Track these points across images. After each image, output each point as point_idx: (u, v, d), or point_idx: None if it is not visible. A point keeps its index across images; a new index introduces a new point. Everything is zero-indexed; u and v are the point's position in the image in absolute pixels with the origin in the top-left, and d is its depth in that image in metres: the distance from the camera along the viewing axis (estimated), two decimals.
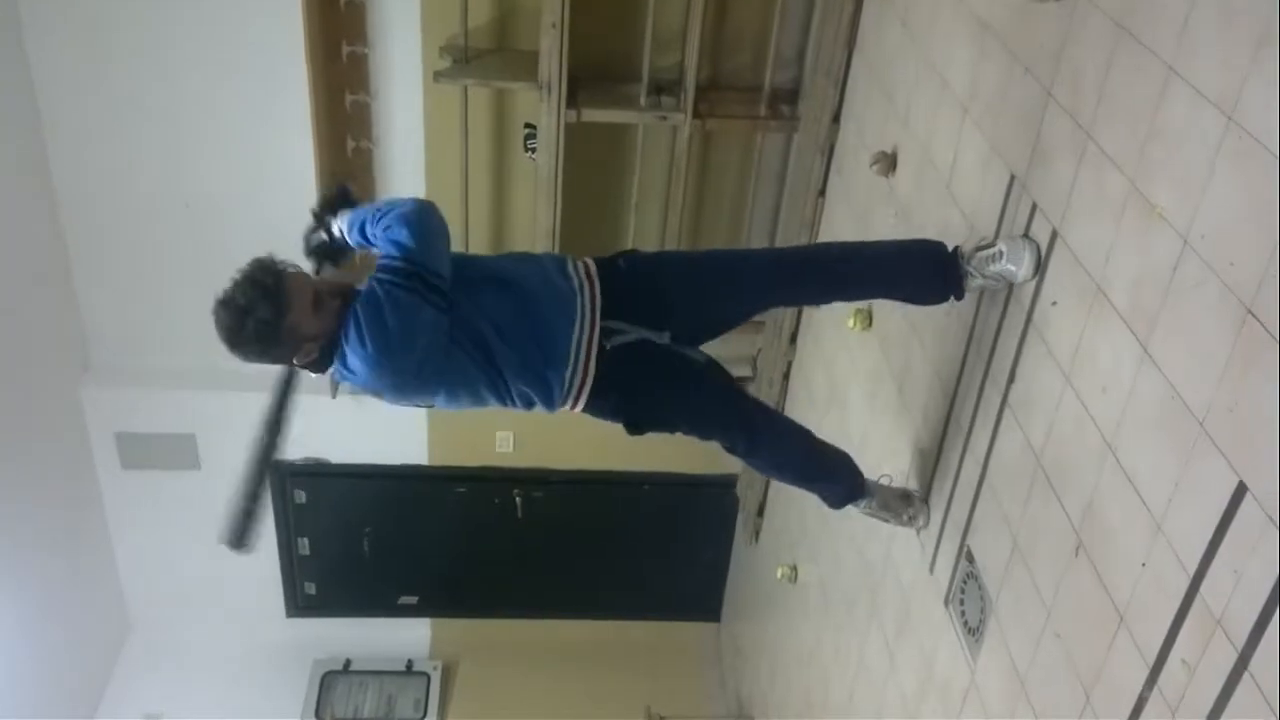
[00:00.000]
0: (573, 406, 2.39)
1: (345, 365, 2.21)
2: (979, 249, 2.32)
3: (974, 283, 2.34)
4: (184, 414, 4.75)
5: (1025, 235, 2.25)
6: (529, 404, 2.38)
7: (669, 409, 2.46)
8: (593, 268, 2.38)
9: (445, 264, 2.21)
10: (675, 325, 2.38)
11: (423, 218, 2.18)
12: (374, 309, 2.13)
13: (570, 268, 2.37)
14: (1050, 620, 2.08)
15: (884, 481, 2.78)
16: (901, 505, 2.76)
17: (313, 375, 2.32)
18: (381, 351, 2.14)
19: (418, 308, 2.14)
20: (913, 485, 2.81)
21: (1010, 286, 2.29)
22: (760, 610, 4.73)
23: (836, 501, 2.73)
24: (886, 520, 2.77)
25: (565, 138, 3.84)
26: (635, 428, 2.44)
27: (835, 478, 2.71)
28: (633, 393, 2.39)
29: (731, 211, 4.43)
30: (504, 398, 2.36)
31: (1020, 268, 2.21)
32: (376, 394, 2.33)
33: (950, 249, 2.40)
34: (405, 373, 2.22)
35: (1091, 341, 1.97)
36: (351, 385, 2.33)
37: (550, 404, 2.37)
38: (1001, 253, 2.25)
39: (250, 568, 5.22)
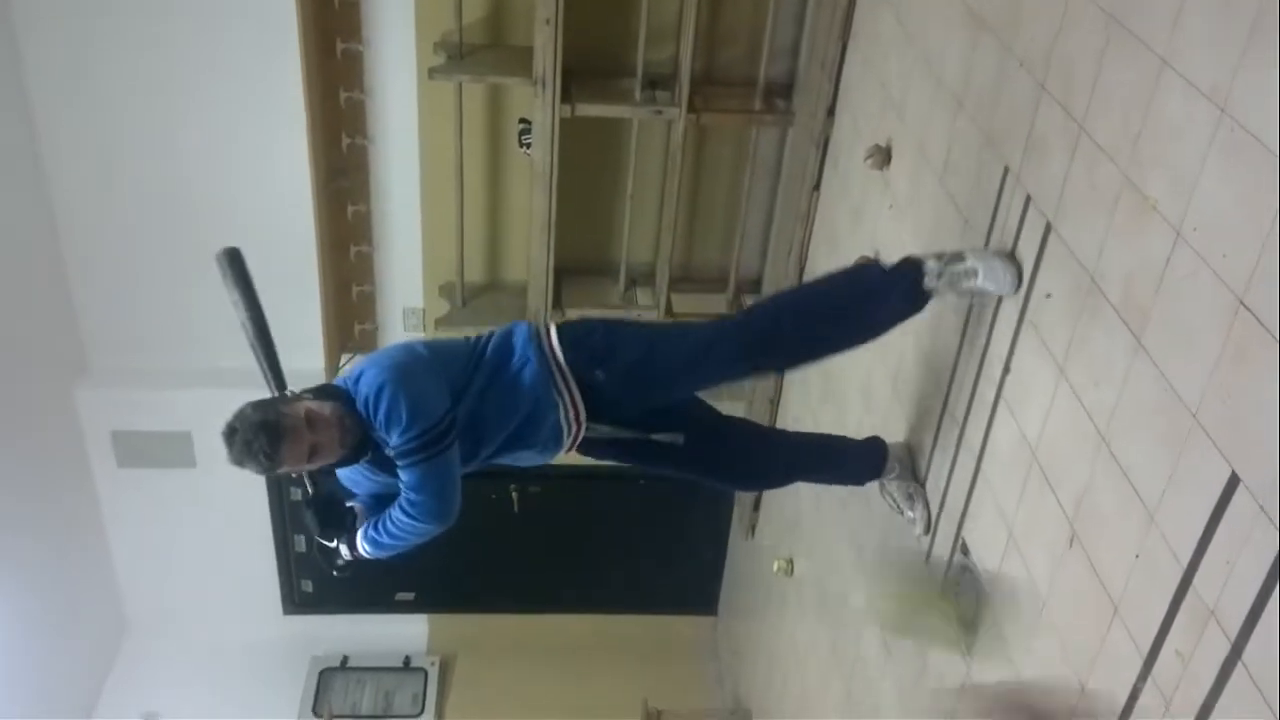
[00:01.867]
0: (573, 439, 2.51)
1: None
2: (941, 258, 2.30)
3: (946, 299, 2.35)
4: (179, 412, 4.74)
5: (1008, 254, 2.24)
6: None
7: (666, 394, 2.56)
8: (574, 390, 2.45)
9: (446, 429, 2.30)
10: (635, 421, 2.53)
11: (441, 509, 2.37)
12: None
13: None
14: (1045, 611, 2.09)
15: (895, 470, 2.81)
16: (905, 499, 2.77)
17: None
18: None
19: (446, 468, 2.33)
20: (909, 479, 2.82)
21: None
22: (757, 604, 4.74)
23: (860, 479, 2.85)
24: (896, 504, 2.78)
25: (560, 133, 3.84)
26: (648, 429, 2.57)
27: (846, 464, 2.84)
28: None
29: (727, 205, 4.43)
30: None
31: (1002, 286, 2.23)
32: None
33: (914, 259, 2.38)
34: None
35: (1085, 333, 1.98)
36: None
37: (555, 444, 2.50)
38: (975, 271, 2.25)
39: (246, 565, 5.24)
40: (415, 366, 2.30)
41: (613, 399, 2.45)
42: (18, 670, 4.39)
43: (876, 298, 2.40)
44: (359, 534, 2.40)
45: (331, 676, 5.33)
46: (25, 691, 4.44)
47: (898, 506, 2.77)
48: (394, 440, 2.23)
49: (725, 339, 2.49)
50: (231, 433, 2.17)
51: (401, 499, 2.31)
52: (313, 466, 2.25)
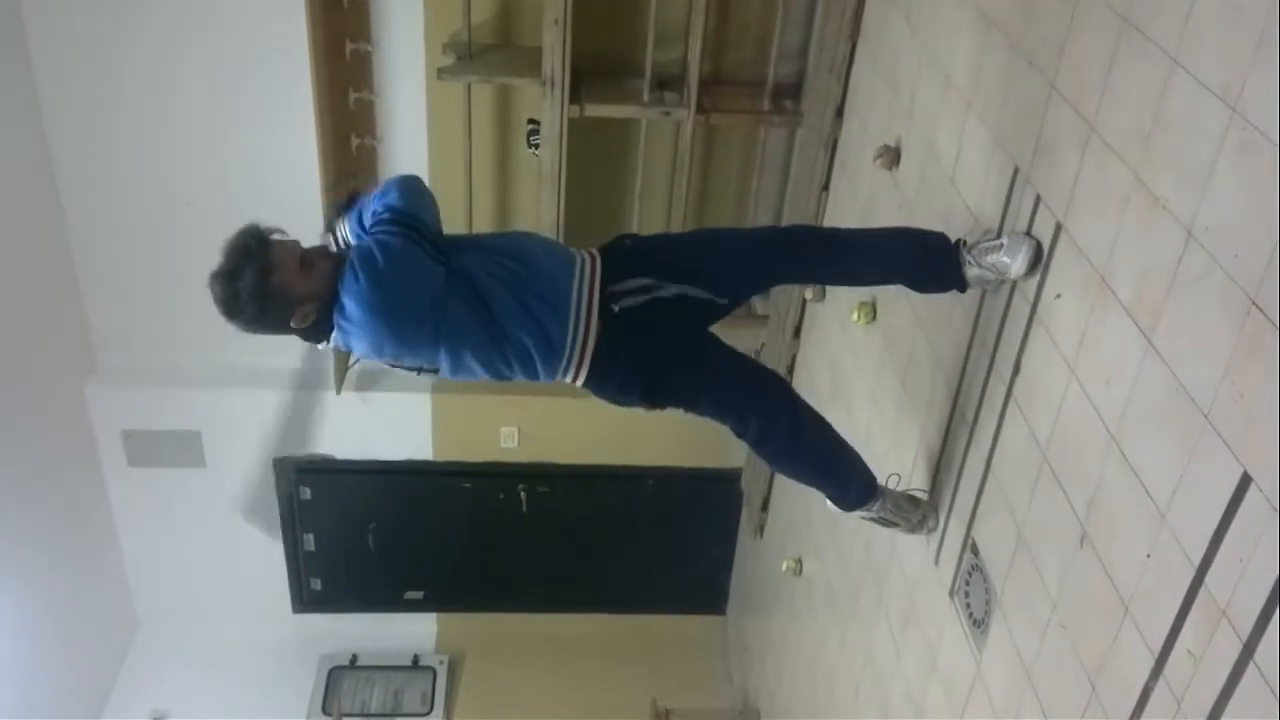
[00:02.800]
0: (576, 373, 2.32)
1: (344, 317, 2.18)
2: (984, 240, 2.33)
3: (971, 271, 2.34)
4: (190, 411, 4.77)
5: (1028, 233, 2.25)
6: (528, 364, 2.30)
7: (686, 375, 2.37)
8: (594, 252, 2.39)
9: (435, 222, 2.25)
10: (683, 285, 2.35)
11: (410, 183, 2.26)
12: (367, 255, 2.16)
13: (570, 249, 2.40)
14: (1055, 611, 2.09)
15: (892, 483, 2.72)
16: (910, 508, 2.70)
17: (318, 347, 2.34)
18: (376, 286, 2.13)
19: (409, 251, 2.17)
20: (918, 479, 2.81)
21: (1015, 281, 2.30)
22: (766, 603, 4.74)
23: (848, 504, 2.63)
24: (895, 525, 2.70)
25: (568, 133, 3.84)
26: (651, 400, 2.37)
27: (849, 478, 2.62)
28: (646, 361, 2.33)
29: (735, 206, 4.43)
30: (505, 355, 2.29)
31: (1015, 261, 2.21)
32: (379, 351, 2.27)
33: (953, 241, 2.41)
34: (403, 313, 2.18)
35: (1096, 333, 1.98)
36: (355, 348, 2.29)
37: (552, 357, 2.28)
38: (1002, 245, 2.26)
39: (256, 564, 5.26)
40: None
41: (640, 253, 2.38)
42: (28, 668, 4.41)
43: (926, 264, 2.45)
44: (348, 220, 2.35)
45: (341, 675, 5.34)
46: (36, 689, 4.46)
47: (892, 524, 2.73)
48: (375, 207, 2.23)
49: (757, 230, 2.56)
50: (220, 268, 2.16)
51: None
52: (306, 285, 2.18)
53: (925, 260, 2.44)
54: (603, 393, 2.40)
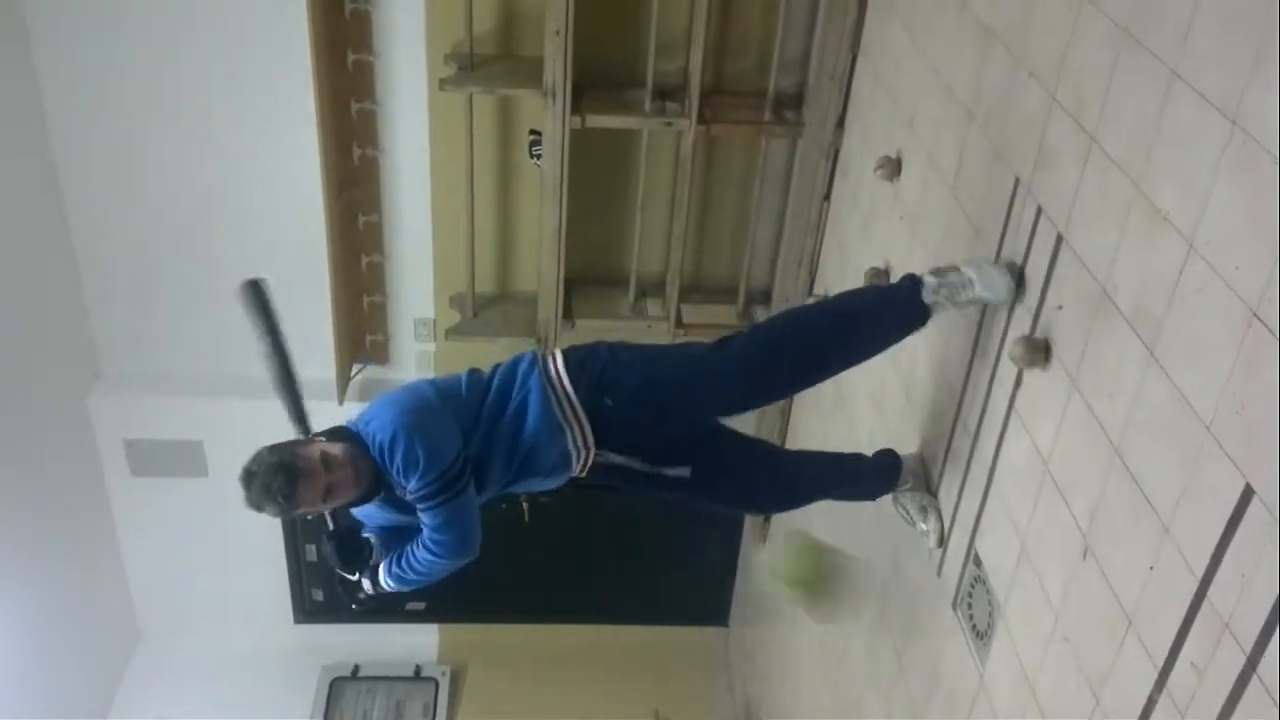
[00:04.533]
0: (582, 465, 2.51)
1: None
2: (939, 273, 2.34)
3: (944, 313, 2.37)
4: (192, 421, 4.77)
5: (994, 260, 2.27)
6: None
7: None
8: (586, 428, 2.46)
9: (460, 465, 2.33)
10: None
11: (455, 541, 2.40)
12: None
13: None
14: (1059, 624, 2.09)
15: (909, 483, 2.80)
16: (919, 511, 2.76)
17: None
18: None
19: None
20: (922, 490, 2.81)
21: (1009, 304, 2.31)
22: (768, 614, 4.73)
23: (875, 494, 2.84)
24: (909, 516, 2.77)
25: (570, 143, 3.85)
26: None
27: (861, 480, 2.83)
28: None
29: (736, 216, 4.44)
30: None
31: (997, 292, 2.26)
32: None
33: (913, 277, 2.41)
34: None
35: (1097, 345, 1.98)
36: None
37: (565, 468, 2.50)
38: (971, 281, 2.28)
39: (258, 574, 5.25)
40: (426, 411, 2.32)
41: (622, 426, 2.45)
42: (30, 677, 4.41)
43: (879, 313, 2.45)
44: (381, 569, 2.44)
45: (342, 686, 5.34)
46: (37, 699, 4.45)
47: (910, 519, 2.76)
48: (412, 485, 2.27)
49: (726, 355, 2.47)
50: (249, 476, 2.20)
51: (425, 537, 2.35)
52: (328, 507, 2.29)
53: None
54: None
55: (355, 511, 2.45)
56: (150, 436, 4.82)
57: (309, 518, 2.38)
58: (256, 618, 5.40)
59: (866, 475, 2.84)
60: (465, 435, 2.35)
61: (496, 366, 2.50)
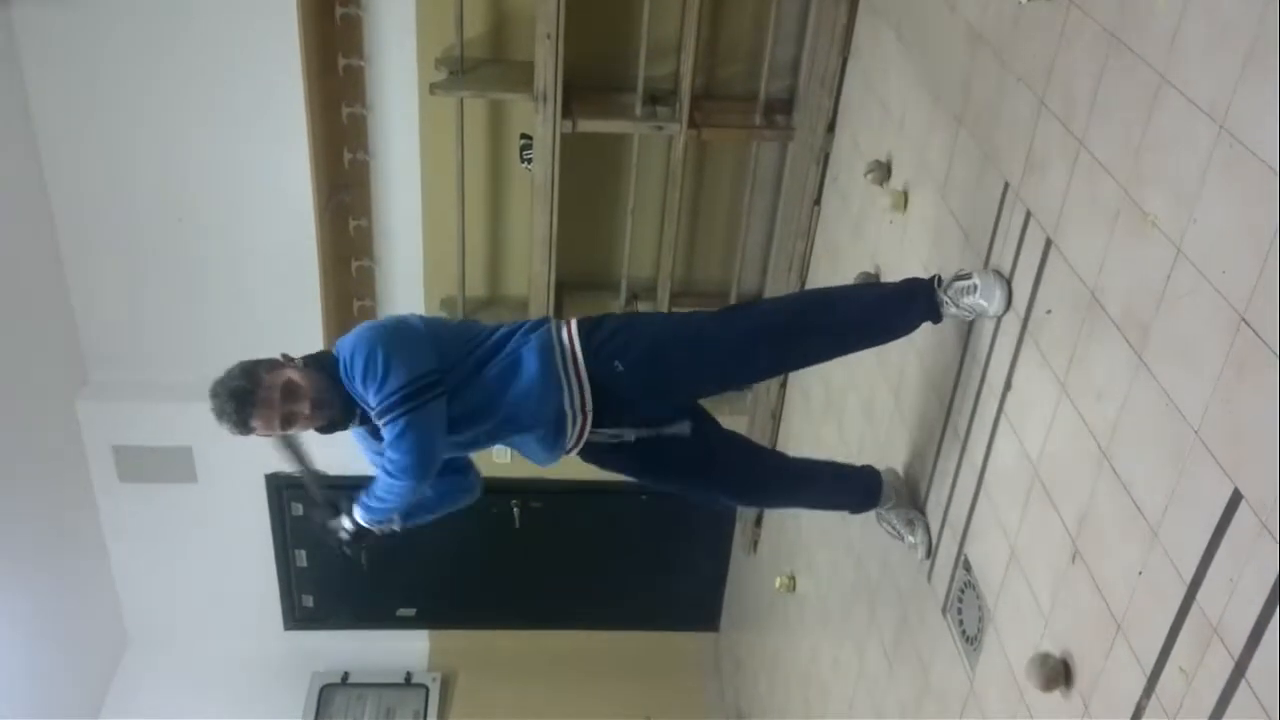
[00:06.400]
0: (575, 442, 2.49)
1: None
2: (957, 278, 2.39)
3: (949, 311, 2.41)
4: (180, 427, 4.73)
5: (997, 270, 2.31)
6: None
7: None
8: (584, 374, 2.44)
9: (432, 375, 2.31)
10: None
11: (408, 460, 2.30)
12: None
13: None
14: (1048, 629, 2.08)
15: (892, 500, 2.82)
16: (905, 525, 2.77)
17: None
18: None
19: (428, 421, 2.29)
20: (909, 494, 2.81)
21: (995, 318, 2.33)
22: (759, 620, 4.73)
23: (854, 509, 2.87)
24: (896, 531, 2.77)
25: (561, 148, 3.85)
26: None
27: (842, 493, 2.84)
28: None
29: (727, 220, 4.44)
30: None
31: (991, 303, 2.30)
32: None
33: (928, 279, 2.48)
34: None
35: (1086, 349, 1.98)
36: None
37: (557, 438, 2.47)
38: (976, 286, 2.32)
39: (248, 581, 5.23)
40: (401, 329, 2.35)
41: (625, 396, 2.43)
42: (18, 684, 4.38)
43: (906, 297, 2.49)
44: (355, 503, 2.41)
45: (333, 692, 5.31)
46: (26, 705, 4.42)
47: (898, 533, 2.76)
48: (371, 400, 2.27)
49: (749, 322, 2.55)
50: (214, 390, 2.25)
51: (384, 458, 2.32)
52: (287, 433, 2.32)
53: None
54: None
55: (354, 437, 2.47)
56: (139, 442, 4.80)
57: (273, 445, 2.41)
58: (246, 624, 5.37)
59: (849, 489, 2.86)
60: (452, 365, 2.34)
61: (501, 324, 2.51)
